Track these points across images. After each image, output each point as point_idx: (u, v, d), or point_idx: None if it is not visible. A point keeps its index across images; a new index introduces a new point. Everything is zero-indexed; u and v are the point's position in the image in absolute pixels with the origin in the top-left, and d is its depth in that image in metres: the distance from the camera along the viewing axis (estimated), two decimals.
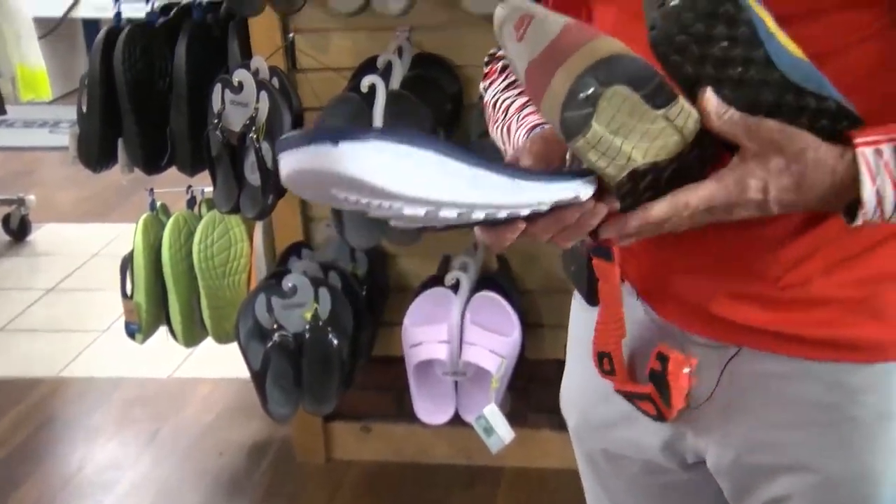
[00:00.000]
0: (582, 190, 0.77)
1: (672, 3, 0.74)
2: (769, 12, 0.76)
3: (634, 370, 0.97)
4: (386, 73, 1.89)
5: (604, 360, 0.95)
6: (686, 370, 0.93)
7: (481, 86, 1.05)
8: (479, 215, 0.75)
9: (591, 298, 1.02)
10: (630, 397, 0.96)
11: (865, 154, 0.77)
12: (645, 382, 0.94)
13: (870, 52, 0.82)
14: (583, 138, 0.74)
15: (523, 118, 0.93)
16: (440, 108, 1.91)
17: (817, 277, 0.88)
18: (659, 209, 0.78)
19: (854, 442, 0.91)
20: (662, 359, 0.93)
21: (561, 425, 1.12)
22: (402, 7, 1.75)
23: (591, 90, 0.73)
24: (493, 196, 0.74)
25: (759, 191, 0.77)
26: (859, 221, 0.78)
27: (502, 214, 0.76)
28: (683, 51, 0.75)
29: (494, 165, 0.75)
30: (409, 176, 0.70)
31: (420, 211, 0.72)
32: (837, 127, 0.78)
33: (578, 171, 0.78)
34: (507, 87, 0.99)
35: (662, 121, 0.75)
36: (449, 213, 0.73)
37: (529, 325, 2.03)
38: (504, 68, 1.02)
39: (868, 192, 0.76)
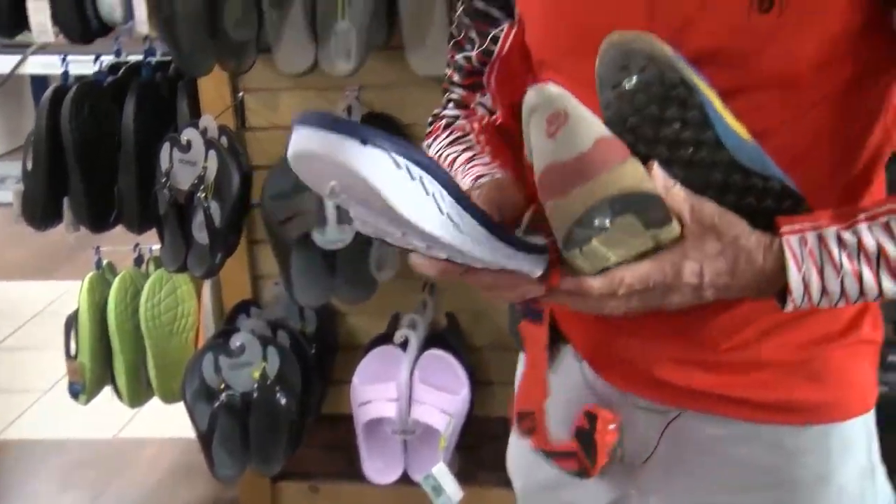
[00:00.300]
0: (538, 267, 0.78)
1: (626, 86, 0.76)
2: (716, 93, 0.78)
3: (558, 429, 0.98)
4: None
5: (525, 420, 0.94)
6: (612, 427, 0.94)
7: (425, 143, 1.06)
8: (441, 254, 0.76)
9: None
10: (550, 456, 0.96)
11: (791, 242, 0.78)
12: (570, 440, 0.95)
13: (805, 129, 0.84)
14: (579, 250, 0.76)
15: (469, 169, 0.94)
16: None
17: (756, 342, 0.90)
18: (594, 281, 0.78)
19: (795, 503, 0.93)
20: (591, 417, 0.94)
21: (510, 484, 1.12)
22: (351, 68, 1.78)
23: (606, 220, 0.75)
24: (466, 243, 0.75)
25: (695, 274, 0.78)
26: (790, 307, 0.80)
27: (460, 260, 0.77)
28: (636, 132, 0.77)
29: (479, 214, 0.76)
30: (411, 198, 0.71)
31: (397, 231, 0.73)
32: (781, 206, 0.80)
33: (538, 247, 0.79)
34: (451, 143, 1.01)
35: (651, 240, 0.77)
36: (419, 242, 0.74)
37: (478, 383, 2.03)
38: (448, 126, 1.04)
39: (795, 280, 0.78)
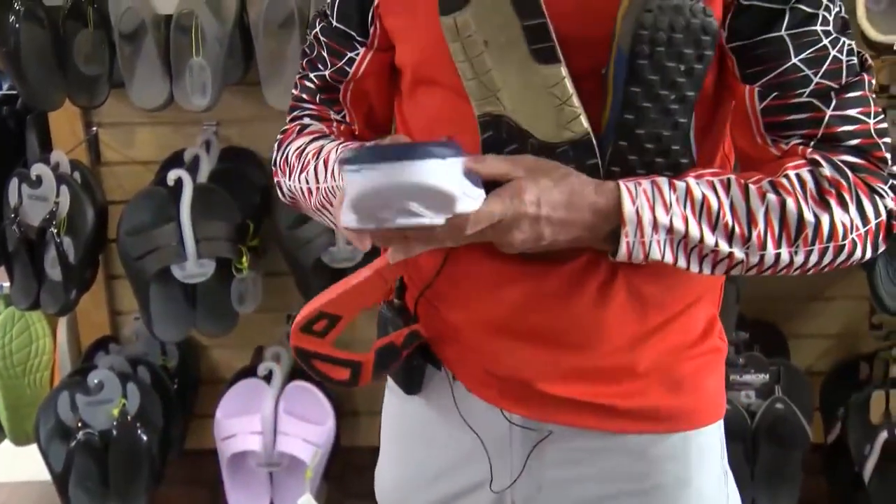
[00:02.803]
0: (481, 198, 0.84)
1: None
2: None
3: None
4: (193, 167, 1.89)
5: (321, 320, 0.97)
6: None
7: (275, 151, 1.07)
8: (440, 220, 0.80)
9: (409, 387, 1.06)
10: (328, 360, 1.00)
11: (626, 182, 0.86)
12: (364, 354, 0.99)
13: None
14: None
15: (343, 146, 0.98)
16: (249, 201, 1.93)
17: (629, 349, 0.96)
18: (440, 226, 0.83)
19: None
20: (411, 337, 1.00)
21: None
22: (207, 103, 1.77)
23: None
24: (466, 204, 0.81)
25: (534, 204, 0.83)
26: (623, 248, 0.85)
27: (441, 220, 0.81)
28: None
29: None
30: (462, 189, 0.79)
31: (437, 219, 0.80)
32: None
33: (477, 179, 0.84)
34: (313, 140, 1.03)
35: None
36: (440, 220, 0.80)
37: (344, 413, 2.05)
38: (303, 128, 1.06)
39: (629, 211, 0.84)
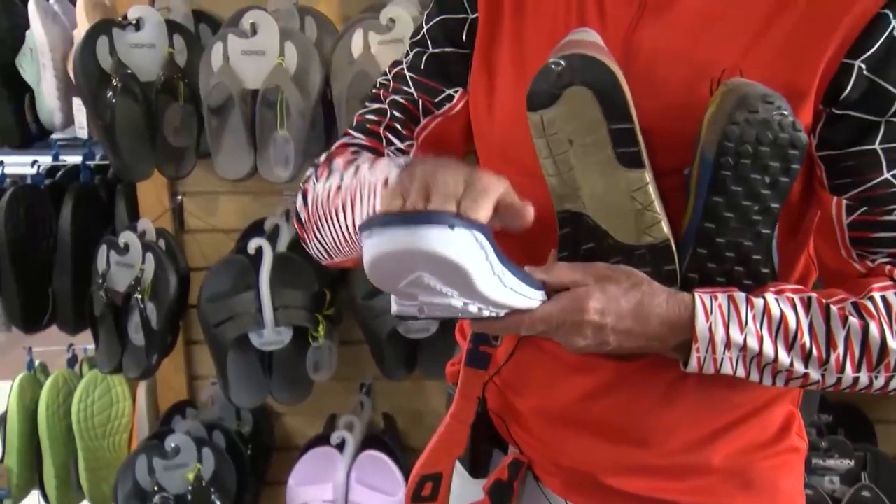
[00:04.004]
0: (539, 299, 0.83)
1: (775, 115, 0.82)
2: None
3: None
4: (273, 236, 1.93)
5: (425, 484, 0.94)
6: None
7: (300, 195, 0.98)
8: (484, 313, 0.80)
9: (475, 470, 1.05)
10: None
11: (701, 294, 0.83)
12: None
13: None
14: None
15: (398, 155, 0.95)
16: (326, 270, 1.96)
17: (700, 446, 0.94)
18: (497, 322, 0.83)
19: None
20: (515, 466, 0.97)
21: None
22: (290, 174, 1.81)
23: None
24: (509, 297, 0.79)
25: (597, 312, 0.82)
26: (693, 361, 0.83)
27: (500, 312, 0.81)
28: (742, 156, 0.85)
29: (514, 266, 0.80)
30: (484, 271, 0.76)
31: (472, 306, 0.78)
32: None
33: (537, 283, 0.84)
34: (352, 172, 0.92)
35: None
36: (474, 309, 0.79)
37: None
38: (357, 150, 1.00)
39: (701, 328, 0.82)
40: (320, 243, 0.96)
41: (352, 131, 1.04)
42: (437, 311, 0.79)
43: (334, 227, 0.92)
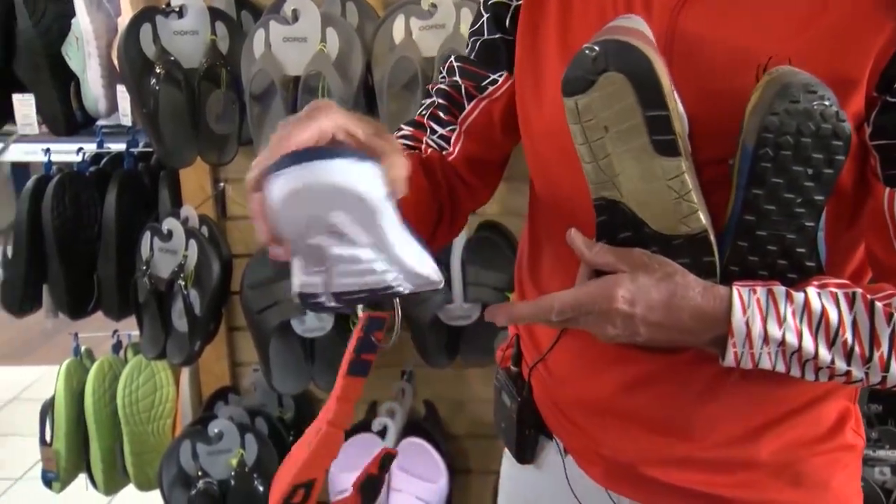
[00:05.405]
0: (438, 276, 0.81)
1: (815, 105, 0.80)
2: None
3: None
4: None
5: (297, 492, 0.89)
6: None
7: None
8: (392, 277, 0.77)
9: (521, 456, 1.05)
10: None
11: (739, 288, 0.81)
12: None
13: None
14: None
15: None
16: None
17: (745, 440, 0.92)
18: (524, 308, 0.84)
19: None
20: (386, 459, 0.97)
21: None
22: None
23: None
24: (414, 257, 0.78)
25: (626, 302, 0.80)
26: (730, 356, 0.81)
27: (408, 285, 0.78)
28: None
29: (410, 228, 0.79)
30: (388, 208, 0.75)
31: (378, 264, 0.76)
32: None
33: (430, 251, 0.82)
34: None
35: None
36: (381, 267, 0.76)
37: (457, 471, 2.03)
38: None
39: (738, 322, 0.80)
40: None
41: (403, 125, 1.06)
42: (344, 279, 0.76)
43: None
